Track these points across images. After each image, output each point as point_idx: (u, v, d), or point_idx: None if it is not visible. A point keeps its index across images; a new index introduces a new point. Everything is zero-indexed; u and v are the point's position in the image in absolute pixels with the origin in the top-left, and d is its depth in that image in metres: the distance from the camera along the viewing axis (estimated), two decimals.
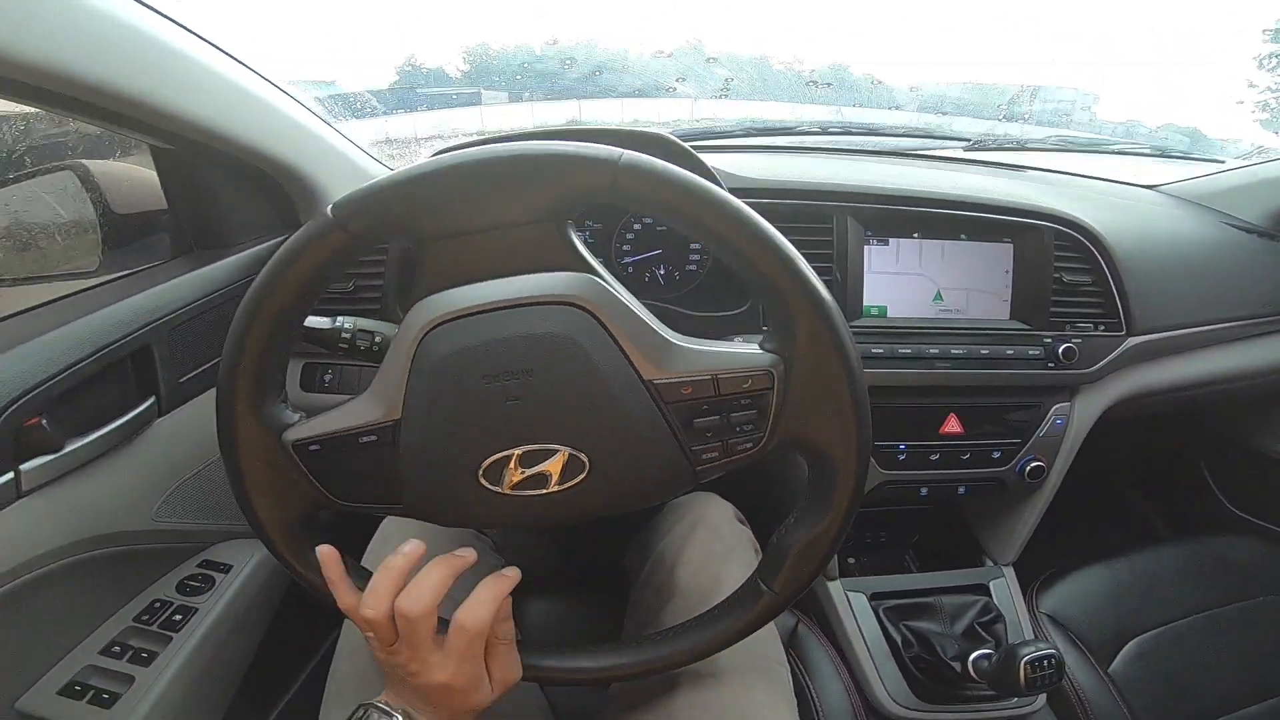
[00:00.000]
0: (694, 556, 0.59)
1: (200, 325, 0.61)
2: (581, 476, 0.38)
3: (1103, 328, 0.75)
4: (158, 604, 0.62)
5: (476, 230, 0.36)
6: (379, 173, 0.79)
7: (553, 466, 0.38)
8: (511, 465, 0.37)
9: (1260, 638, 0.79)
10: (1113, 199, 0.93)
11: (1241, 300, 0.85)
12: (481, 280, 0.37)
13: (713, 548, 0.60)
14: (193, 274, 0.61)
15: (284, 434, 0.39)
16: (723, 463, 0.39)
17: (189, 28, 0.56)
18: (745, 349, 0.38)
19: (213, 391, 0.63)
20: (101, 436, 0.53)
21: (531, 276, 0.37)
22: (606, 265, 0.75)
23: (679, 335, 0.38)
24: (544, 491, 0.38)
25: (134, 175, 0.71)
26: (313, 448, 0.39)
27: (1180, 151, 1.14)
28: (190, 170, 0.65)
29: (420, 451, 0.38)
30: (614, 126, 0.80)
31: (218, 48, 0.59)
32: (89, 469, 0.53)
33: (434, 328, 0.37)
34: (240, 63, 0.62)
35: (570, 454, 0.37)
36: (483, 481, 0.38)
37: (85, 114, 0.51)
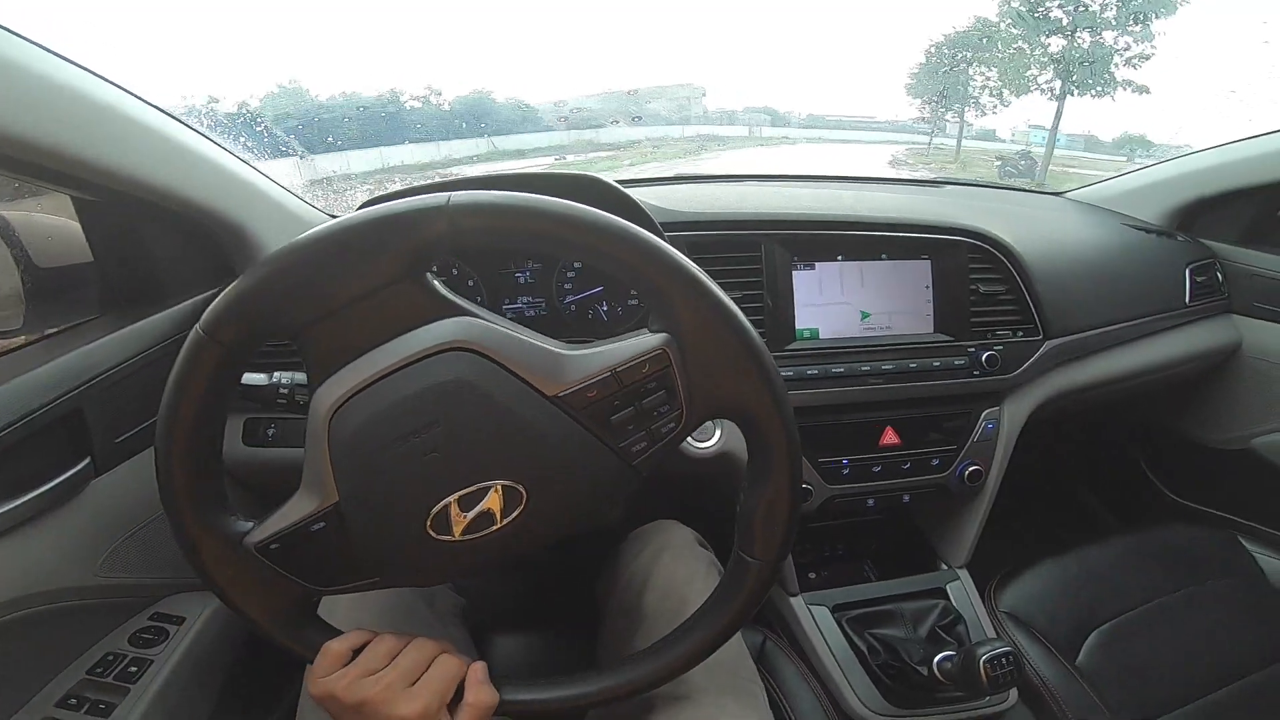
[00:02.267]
0: (660, 581, 0.60)
1: (135, 384, 0.60)
2: (522, 505, 0.38)
3: (1021, 334, 0.80)
4: (110, 656, 0.61)
5: (343, 306, 0.37)
6: (312, 217, 0.79)
7: (492, 503, 0.38)
8: (454, 513, 0.38)
9: (1214, 621, 0.82)
10: (1022, 209, 1.00)
11: (1144, 298, 0.91)
12: (365, 351, 0.38)
13: (677, 572, 0.61)
14: (124, 331, 0.59)
15: (244, 540, 0.40)
16: (656, 449, 0.40)
17: (103, 76, 0.55)
18: (634, 338, 0.39)
19: (151, 450, 0.62)
20: (33, 499, 0.51)
21: (410, 334, 0.38)
22: (549, 304, 0.77)
23: (566, 344, 0.39)
24: (494, 529, 0.38)
25: (57, 227, 0.69)
26: (273, 546, 0.39)
27: None
28: (117, 222, 0.63)
29: (366, 525, 0.38)
30: (547, 171, 0.82)
31: (136, 96, 0.58)
32: (25, 528, 0.52)
33: (338, 409, 0.37)
34: (160, 110, 0.61)
35: (504, 486, 0.38)
36: (433, 535, 0.38)
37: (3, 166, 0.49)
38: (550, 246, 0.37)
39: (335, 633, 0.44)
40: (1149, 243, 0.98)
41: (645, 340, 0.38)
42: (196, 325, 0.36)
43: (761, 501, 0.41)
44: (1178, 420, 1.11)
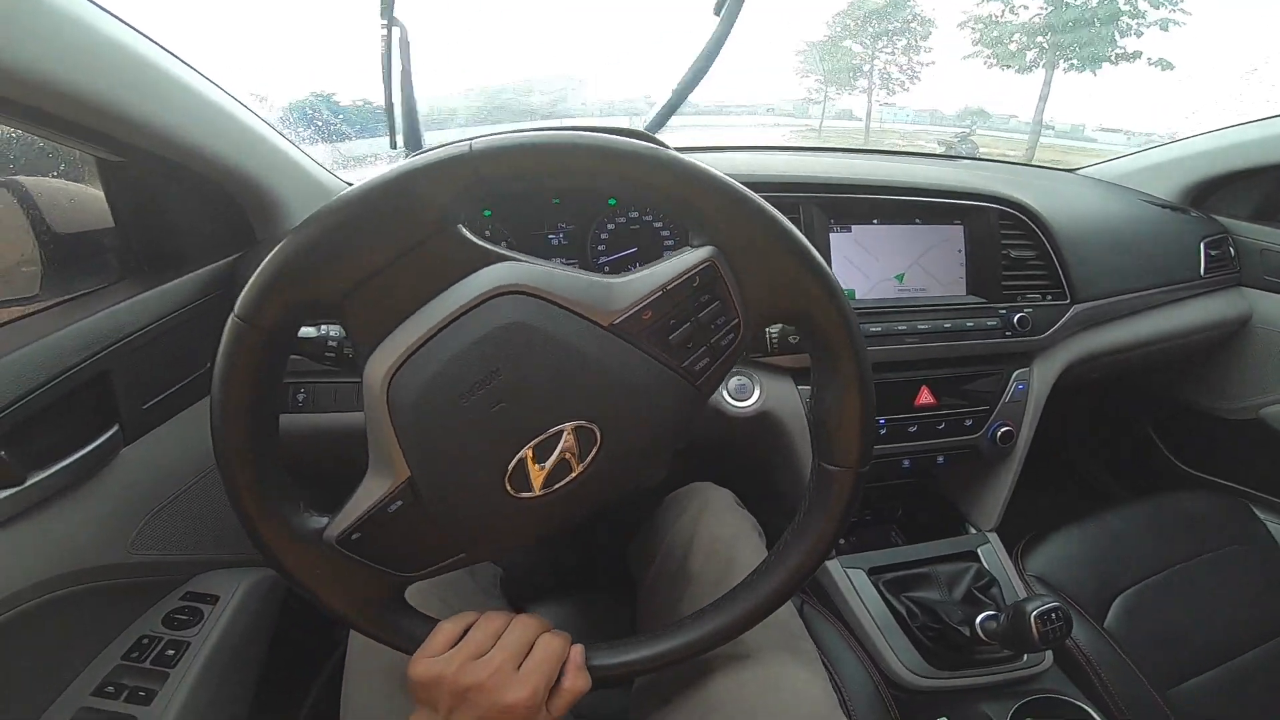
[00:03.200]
0: (703, 544, 0.60)
1: (159, 349, 0.59)
2: (598, 445, 0.38)
3: (1050, 297, 0.82)
4: (146, 640, 0.59)
5: (379, 270, 0.35)
6: (338, 188, 0.78)
7: (567, 449, 0.37)
8: (530, 466, 0.37)
9: (1233, 586, 0.84)
10: (1043, 182, 1.01)
11: (1162, 269, 0.93)
12: (410, 313, 0.37)
13: (720, 533, 0.61)
14: (148, 294, 0.58)
15: (323, 535, 0.39)
16: (719, 364, 0.39)
17: (146, 33, 0.54)
18: (678, 256, 0.38)
19: (179, 416, 0.61)
20: (64, 468, 0.50)
21: (454, 288, 0.37)
22: (584, 266, 0.77)
23: (610, 275, 0.39)
24: (575, 475, 0.38)
25: (74, 192, 0.67)
26: (355, 536, 0.38)
27: None
28: (140, 186, 0.62)
29: (444, 495, 0.38)
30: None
31: (174, 54, 0.57)
32: (56, 502, 0.50)
33: (393, 376, 0.36)
34: (196, 70, 0.60)
35: (576, 426, 0.37)
36: (513, 493, 0.37)
37: (34, 120, 0.48)
38: (581, 179, 0.36)
39: (426, 618, 0.43)
40: (1165, 217, 1.00)
41: (690, 255, 0.38)
42: (233, 314, 0.35)
43: (834, 403, 0.41)
44: (1189, 390, 1.14)
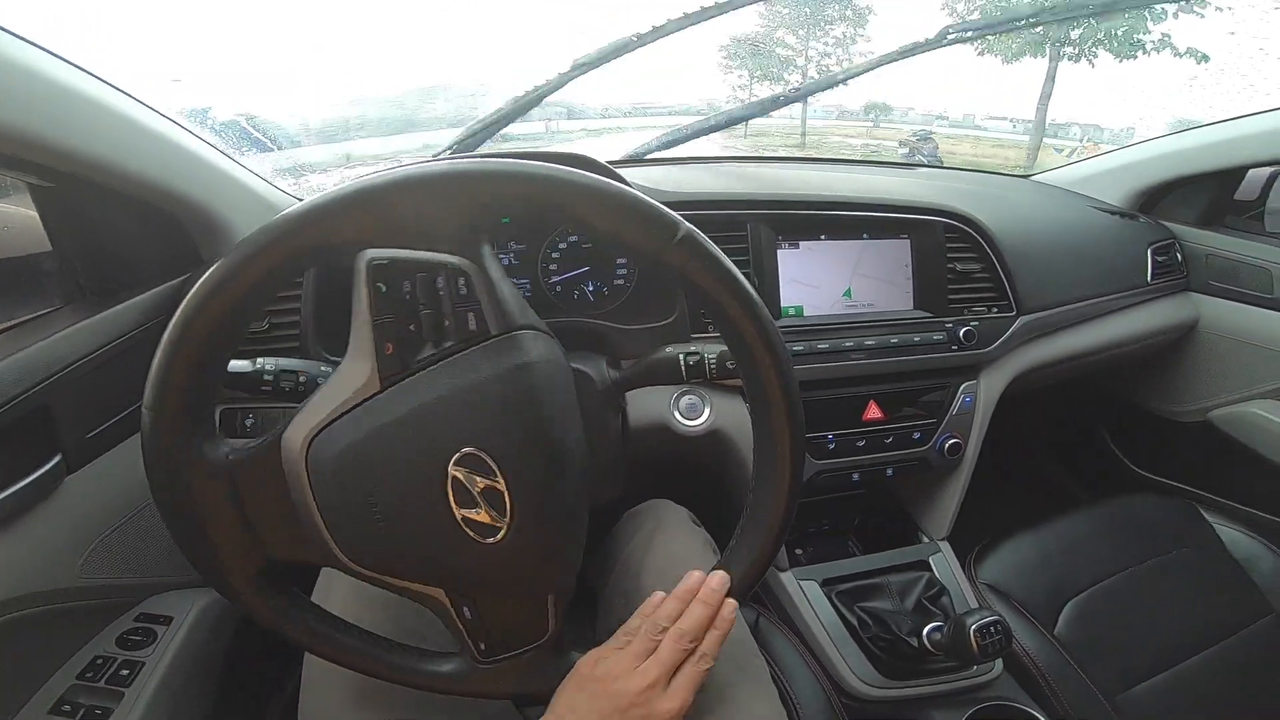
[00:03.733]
0: (657, 561, 0.61)
1: (103, 377, 0.58)
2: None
3: (996, 309, 0.83)
4: (100, 660, 0.59)
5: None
6: (282, 201, 0.77)
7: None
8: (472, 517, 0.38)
9: (1181, 590, 0.86)
10: (994, 190, 1.03)
11: (1109, 277, 0.95)
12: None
13: (673, 550, 0.61)
14: (89, 321, 0.57)
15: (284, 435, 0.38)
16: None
17: (61, 55, 0.53)
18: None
19: (127, 442, 0.60)
20: (7, 498, 0.49)
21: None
22: (534, 285, 0.77)
23: None
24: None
25: (9, 215, 0.65)
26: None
27: None
28: (77, 209, 0.60)
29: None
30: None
31: (97, 77, 0.56)
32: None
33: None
34: (125, 93, 0.58)
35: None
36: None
37: None
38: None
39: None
40: (1113, 224, 1.02)
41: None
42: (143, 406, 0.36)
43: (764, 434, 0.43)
44: (1140, 394, 1.16)
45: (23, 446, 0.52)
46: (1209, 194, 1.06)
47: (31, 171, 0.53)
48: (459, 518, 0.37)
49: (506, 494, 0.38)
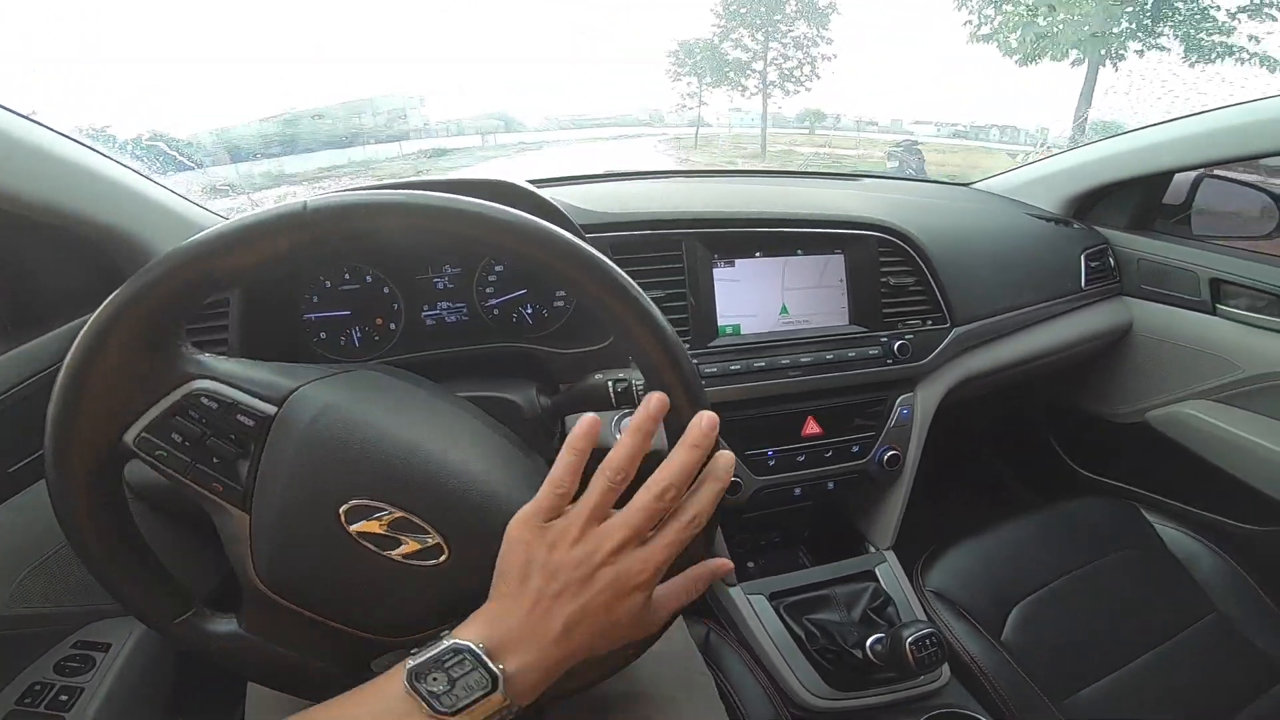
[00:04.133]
0: None
1: (25, 410, 0.56)
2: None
3: (930, 322, 0.84)
4: (38, 686, 0.59)
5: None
6: (211, 222, 0.75)
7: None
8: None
9: (1123, 591, 0.87)
10: (931, 201, 1.04)
11: (1043, 284, 0.97)
12: None
13: None
14: (11, 354, 0.56)
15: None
16: None
17: None
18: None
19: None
20: None
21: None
22: (471, 309, 0.76)
23: None
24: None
25: None
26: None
27: None
28: None
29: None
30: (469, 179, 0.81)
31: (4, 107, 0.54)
32: None
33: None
34: (32, 120, 0.57)
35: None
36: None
37: None
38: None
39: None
40: (1047, 230, 1.04)
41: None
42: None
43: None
44: (1079, 397, 1.19)
45: None
46: (1138, 199, 1.09)
47: None
48: (397, 558, 0.37)
49: (409, 515, 0.37)
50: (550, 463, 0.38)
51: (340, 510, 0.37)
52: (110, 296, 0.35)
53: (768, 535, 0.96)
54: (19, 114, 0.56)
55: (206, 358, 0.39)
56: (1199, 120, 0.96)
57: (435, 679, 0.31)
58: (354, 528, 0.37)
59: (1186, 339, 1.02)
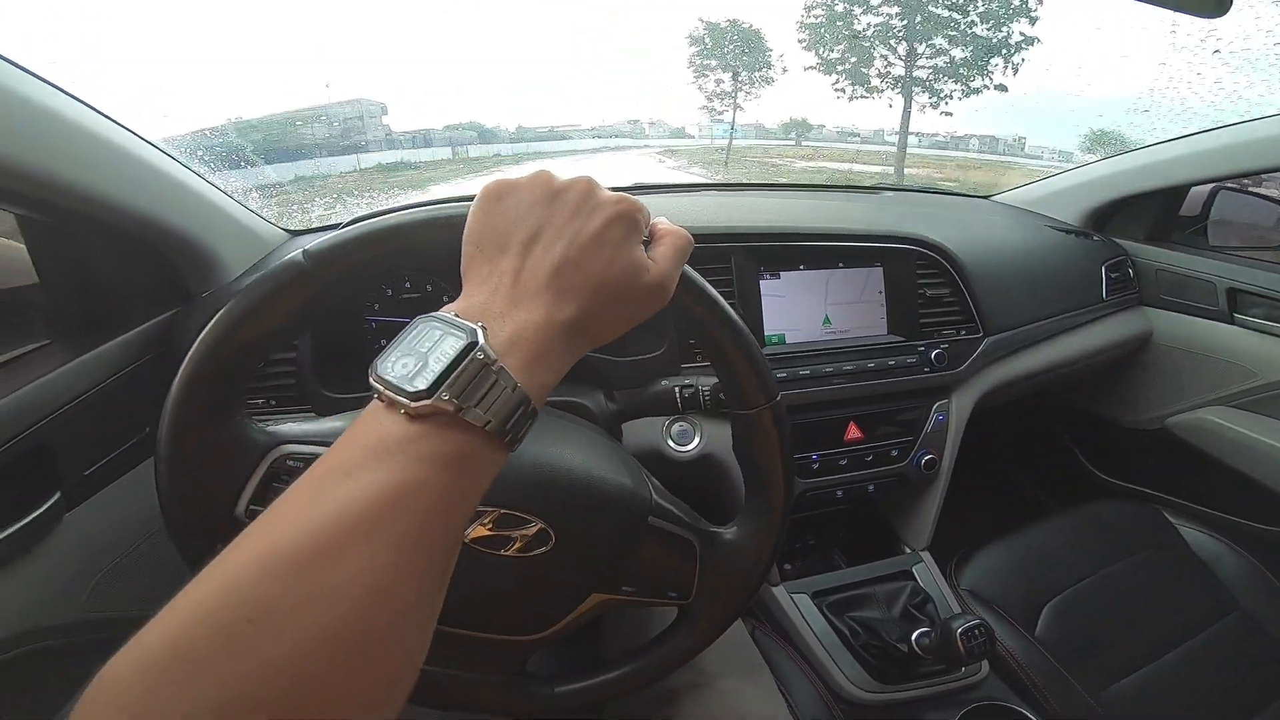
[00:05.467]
0: None
1: (98, 414, 0.58)
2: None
3: (964, 331, 0.88)
4: None
5: None
6: (267, 232, 0.77)
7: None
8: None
9: (1154, 587, 0.90)
10: (956, 214, 1.08)
11: (1067, 295, 1.01)
12: None
13: None
14: (82, 360, 0.57)
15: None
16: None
17: (57, 85, 0.52)
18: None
19: (125, 477, 0.61)
20: (10, 535, 0.50)
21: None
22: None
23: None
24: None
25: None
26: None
27: None
28: (66, 243, 0.60)
29: None
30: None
31: (91, 107, 0.55)
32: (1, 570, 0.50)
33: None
34: (114, 121, 0.58)
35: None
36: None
37: None
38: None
39: None
40: (1069, 243, 1.08)
41: None
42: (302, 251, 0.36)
43: (720, 360, 0.42)
44: (1101, 405, 1.22)
45: (22, 485, 0.53)
46: (1156, 211, 1.12)
47: (21, 204, 0.53)
48: (511, 554, 0.40)
49: (511, 510, 0.40)
50: None
51: None
52: (169, 394, 0.37)
53: (803, 539, 0.99)
54: (106, 115, 0.57)
55: (276, 428, 0.41)
56: (1215, 135, 1.00)
57: (402, 362, 0.25)
58: (466, 537, 0.40)
59: (1205, 347, 1.05)
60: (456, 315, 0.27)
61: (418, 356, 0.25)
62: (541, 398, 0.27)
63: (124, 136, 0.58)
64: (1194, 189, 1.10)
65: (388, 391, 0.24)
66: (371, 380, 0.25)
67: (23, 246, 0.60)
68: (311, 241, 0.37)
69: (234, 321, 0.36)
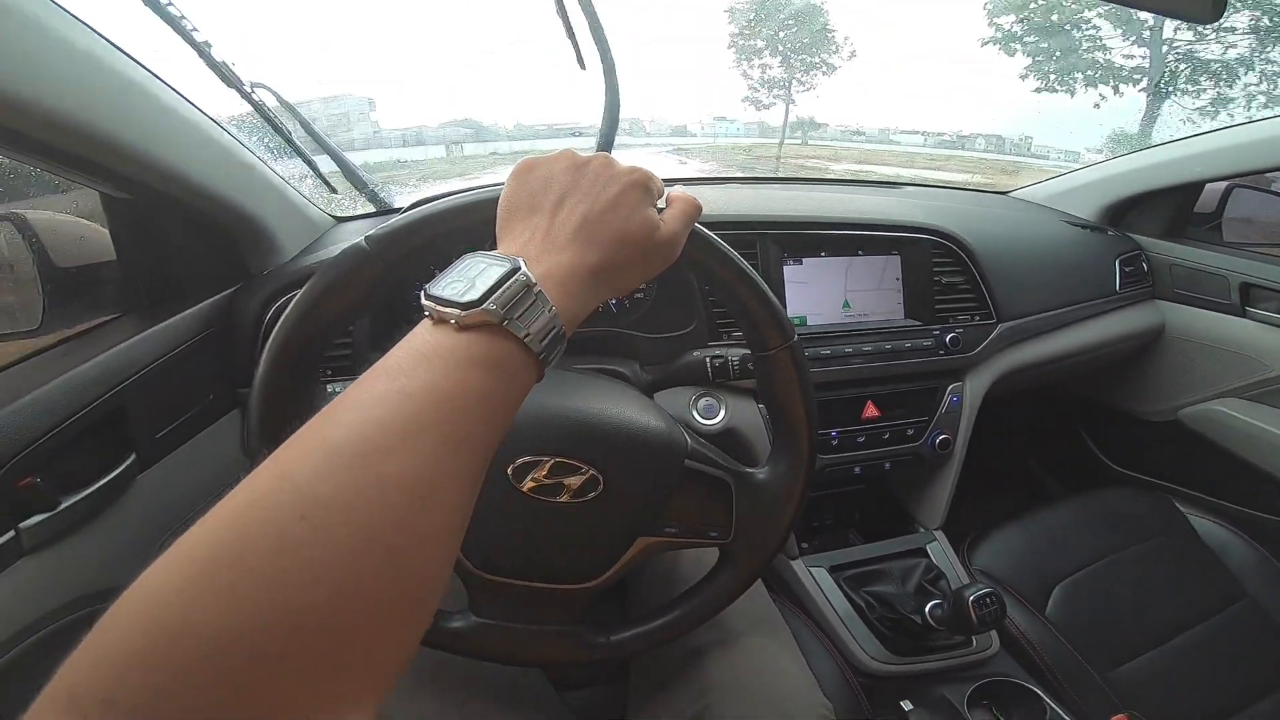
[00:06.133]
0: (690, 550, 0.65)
1: (167, 381, 0.62)
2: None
3: (978, 318, 0.92)
4: None
5: None
6: (317, 217, 0.81)
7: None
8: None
9: (1161, 575, 0.92)
10: (974, 208, 1.12)
11: (1081, 286, 1.04)
12: None
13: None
14: (155, 329, 0.61)
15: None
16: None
17: (149, 68, 0.54)
18: None
19: (189, 443, 0.66)
20: (84, 499, 0.53)
21: None
22: None
23: None
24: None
25: (74, 226, 0.68)
26: None
27: None
28: (144, 221, 0.63)
29: None
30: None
31: (173, 88, 0.58)
32: (82, 527, 0.53)
33: None
34: (193, 104, 0.61)
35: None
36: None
37: (43, 156, 0.49)
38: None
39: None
40: (1083, 237, 1.11)
41: None
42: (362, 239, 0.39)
43: (735, 305, 0.45)
44: (1113, 396, 1.24)
45: (102, 445, 0.56)
46: (1171, 208, 1.15)
47: (112, 180, 0.56)
48: (566, 500, 0.44)
49: (564, 459, 0.44)
50: None
51: (508, 470, 0.44)
52: (259, 368, 0.41)
53: (821, 517, 1.03)
54: (187, 98, 0.60)
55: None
56: (1230, 134, 1.03)
57: (453, 285, 0.28)
58: (524, 486, 0.44)
59: (1217, 340, 1.07)
60: (496, 252, 0.31)
61: (466, 281, 0.28)
62: (571, 325, 0.30)
63: (200, 119, 0.63)
64: (1209, 186, 1.11)
65: (439, 308, 0.27)
66: (424, 300, 0.28)
67: (100, 226, 0.65)
68: (355, 226, 0.41)
69: (312, 302, 0.40)
